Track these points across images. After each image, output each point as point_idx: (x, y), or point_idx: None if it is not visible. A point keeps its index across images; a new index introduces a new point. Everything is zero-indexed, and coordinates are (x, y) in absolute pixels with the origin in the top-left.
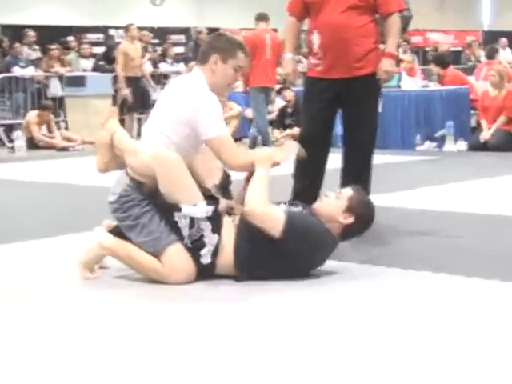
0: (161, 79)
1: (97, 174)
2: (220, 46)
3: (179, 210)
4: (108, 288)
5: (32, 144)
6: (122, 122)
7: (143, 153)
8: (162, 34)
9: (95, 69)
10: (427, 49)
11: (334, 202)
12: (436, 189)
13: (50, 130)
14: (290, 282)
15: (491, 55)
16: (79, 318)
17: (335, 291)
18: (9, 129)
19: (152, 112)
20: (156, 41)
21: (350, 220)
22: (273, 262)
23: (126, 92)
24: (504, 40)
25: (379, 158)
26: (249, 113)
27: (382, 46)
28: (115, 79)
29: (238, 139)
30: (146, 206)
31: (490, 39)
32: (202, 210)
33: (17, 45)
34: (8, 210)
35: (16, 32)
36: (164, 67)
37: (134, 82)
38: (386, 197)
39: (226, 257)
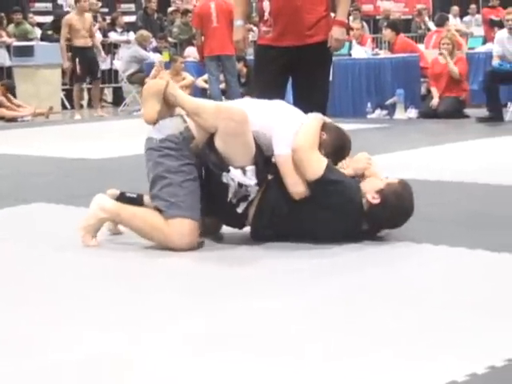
0: (110, 48)
1: (62, 141)
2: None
3: (228, 170)
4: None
5: None
6: (70, 92)
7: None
8: (111, 2)
9: (43, 38)
10: (378, 17)
11: (378, 181)
12: (387, 156)
13: None
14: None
15: (441, 23)
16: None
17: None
18: None
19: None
20: (105, 10)
21: (376, 201)
22: (290, 220)
23: (66, 66)
24: (456, 8)
25: None
26: (200, 82)
27: (332, 14)
28: None
29: None
30: (185, 166)
31: (440, 7)
32: (250, 178)
33: None
34: None
35: None
36: (113, 36)
37: (82, 52)
38: None
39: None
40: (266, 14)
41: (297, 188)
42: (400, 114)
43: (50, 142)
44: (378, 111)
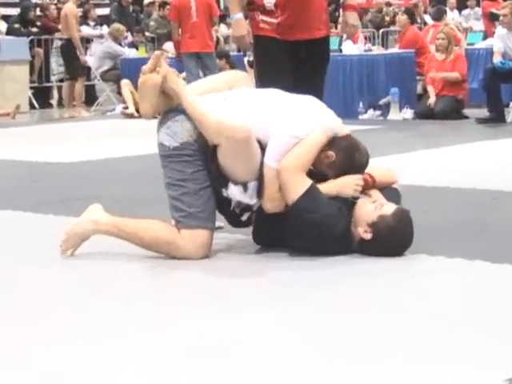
0: (82, 43)
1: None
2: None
3: (227, 187)
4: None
5: None
6: (38, 90)
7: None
8: None
9: (9, 32)
10: (370, 10)
11: (371, 210)
12: (380, 160)
13: None
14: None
15: (438, 17)
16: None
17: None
18: None
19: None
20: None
21: (367, 236)
22: (283, 234)
23: (84, 59)
24: (452, 1)
25: None
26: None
27: None
28: (32, 43)
29: None
30: (201, 172)
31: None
32: (250, 195)
33: None
34: None
35: None
36: (86, 30)
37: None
38: None
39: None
40: (271, 6)
41: (268, 203)
42: (394, 114)
43: (16, 144)
44: (370, 111)
